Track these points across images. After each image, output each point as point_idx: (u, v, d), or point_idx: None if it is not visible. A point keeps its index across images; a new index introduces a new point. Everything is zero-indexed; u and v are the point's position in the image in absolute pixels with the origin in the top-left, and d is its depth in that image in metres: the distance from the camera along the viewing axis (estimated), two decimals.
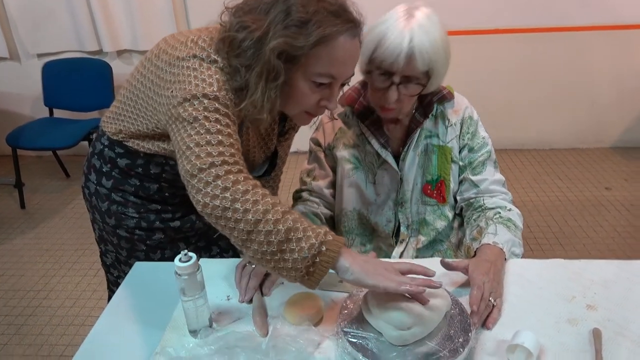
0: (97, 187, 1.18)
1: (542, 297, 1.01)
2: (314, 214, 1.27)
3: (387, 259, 1.07)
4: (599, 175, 3.19)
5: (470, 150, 1.25)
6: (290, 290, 1.03)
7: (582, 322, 0.94)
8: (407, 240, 1.28)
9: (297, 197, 1.34)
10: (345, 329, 0.87)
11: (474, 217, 1.22)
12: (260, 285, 1.04)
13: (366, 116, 1.24)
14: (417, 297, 0.84)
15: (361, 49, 1.03)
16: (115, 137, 1.12)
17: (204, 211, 0.84)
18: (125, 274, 1.27)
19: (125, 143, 1.11)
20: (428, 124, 1.23)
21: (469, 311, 0.91)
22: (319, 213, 1.28)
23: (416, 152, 1.24)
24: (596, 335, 0.90)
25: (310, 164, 1.35)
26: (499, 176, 1.25)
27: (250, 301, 1.02)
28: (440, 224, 1.27)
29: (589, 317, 0.95)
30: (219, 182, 0.83)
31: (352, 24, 0.93)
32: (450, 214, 1.28)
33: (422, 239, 1.27)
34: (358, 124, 1.25)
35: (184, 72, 0.90)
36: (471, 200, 1.25)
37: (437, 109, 1.24)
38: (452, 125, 1.24)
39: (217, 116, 0.88)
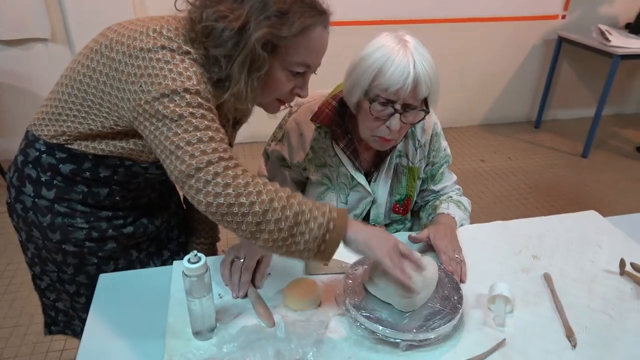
0: (36, 200, 1.05)
1: (496, 254, 1.17)
2: None
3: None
4: (475, 150, 3.65)
5: (433, 164, 1.32)
6: (279, 279, 1.06)
7: (533, 270, 1.12)
8: None
9: None
10: (355, 306, 0.92)
11: (429, 204, 1.36)
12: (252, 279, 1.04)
13: (341, 139, 1.22)
14: (402, 284, 0.88)
15: (352, 78, 1.07)
16: (54, 141, 1.01)
17: (208, 210, 0.83)
18: (70, 294, 1.16)
19: (69, 146, 1.01)
20: (399, 144, 1.25)
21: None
22: None
23: (388, 175, 1.27)
24: (547, 278, 1.09)
25: (270, 174, 1.34)
26: (453, 178, 1.38)
27: (245, 296, 1.01)
28: (400, 226, 1.39)
29: (536, 265, 1.14)
30: (219, 180, 0.82)
31: (325, 15, 0.96)
32: (408, 219, 1.40)
33: None
34: (332, 145, 1.23)
35: (154, 64, 0.85)
36: (429, 202, 1.37)
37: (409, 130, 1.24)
38: (421, 146, 1.28)
39: (202, 111, 0.86)
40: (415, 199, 1.36)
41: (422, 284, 0.92)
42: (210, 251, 1.41)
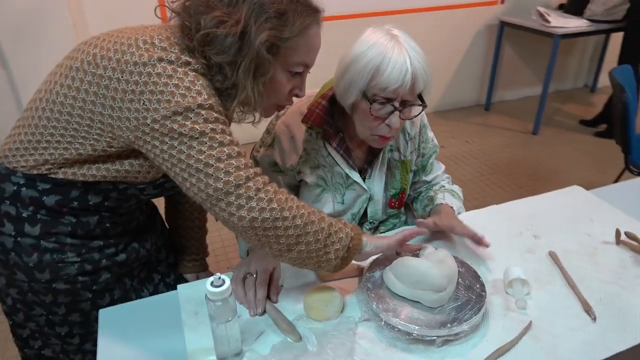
0: (18, 239, 0.95)
1: (499, 238, 1.19)
2: None
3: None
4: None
5: (423, 156, 1.32)
6: (294, 289, 1.02)
7: (538, 249, 1.15)
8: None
9: None
10: (385, 310, 0.90)
11: (422, 194, 1.37)
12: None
13: (333, 138, 1.19)
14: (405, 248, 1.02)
15: (347, 79, 1.05)
16: (35, 172, 0.92)
17: (252, 225, 0.81)
18: (61, 337, 1.07)
19: (53, 175, 0.92)
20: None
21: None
22: None
23: (382, 170, 1.26)
24: (553, 256, 1.12)
25: None
26: (442, 167, 1.40)
27: (263, 312, 0.97)
28: (397, 220, 1.38)
29: (540, 244, 1.16)
30: (262, 195, 0.82)
31: (319, 13, 0.93)
32: (403, 212, 1.40)
33: (382, 229, 1.37)
34: (325, 145, 1.20)
35: (155, 80, 0.79)
36: (422, 193, 1.38)
37: None
38: (411, 138, 1.27)
39: (221, 126, 0.82)
40: (409, 192, 1.36)
41: (447, 278, 0.91)
42: (202, 267, 1.35)
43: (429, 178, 1.36)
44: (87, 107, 0.83)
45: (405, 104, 1.06)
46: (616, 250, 1.14)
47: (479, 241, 1.10)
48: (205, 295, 0.79)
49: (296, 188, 1.30)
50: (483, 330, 0.92)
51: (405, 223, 1.43)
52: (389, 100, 1.04)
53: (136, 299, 1.10)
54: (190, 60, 0.84)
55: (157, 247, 1.21)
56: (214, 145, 0.80)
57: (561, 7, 3.82)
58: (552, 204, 1.32)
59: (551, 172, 3.19)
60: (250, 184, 0.81)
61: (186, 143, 0.79)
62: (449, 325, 0.87)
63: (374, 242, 0.95)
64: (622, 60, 3.27)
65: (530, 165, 3.28)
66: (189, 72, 0.82)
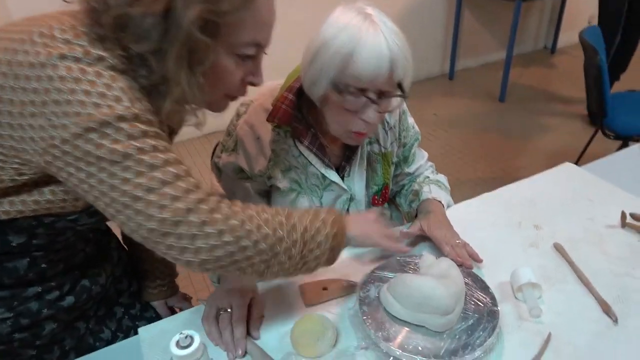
0: None
1: (497, 232, 1.08)
2: None
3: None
4: None
5: (404, 145, 1.19)
6: (277, 319, 0.88)
7: (541, 242, 1.04)
8: None
9: None
10: (385, 339, 0.77)
11: (405, 188, 1.24)
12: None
13: (304, 135, 1.03)
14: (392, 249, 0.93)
15: (315, 68, 0.89)
16: None
17: (204, 267, 0.65)
18: None
19: None
20: None
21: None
22: None
23: (362, 166, 1.11)
24: (559, 249, 1.01)
25: (228, 191, 1.12)
26: (425, 155, 1.26)
27: (245, 353, 0.82)
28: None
29: (542, 236, 1.06)
30: (209, 229, 0.64)
31: None
32: (386, 207, 1.27)
33: None
34: (295, 144, 1.05)
35: (58, 86, 0.60)
36: (405, 186, 1.25)
37: None
38: (391, 128, 1.13)
39: (151, 142, 0.63)
40: (392, 186, 1.23)
41: (455, 297, 0.78)
42: (170, 291, 1.17)
43: (411, 169, 1.23)
44: None
45: (382, 95, 0.91)
46: (622, 234, 1.05)
47: (466, 260, 0.97)
48: (171, 359, 0.64)
49: (268, 194, 1.14)
50: (498, 349, 0.80)
51: (391, 218, 1.30)
52: (363, 92, 0.89)
53: (95, 342, 0.94)
54: (103, 54, 0.63)
55: (116, 277, 1.03)
56: (143, 170, 0.62)
57: None
58: (546, 186, 1.22)
59: (522, 138, 3.13)
60: (193, 217, 0.64)
61: (106, 170, 0.61)
62: (460, 352, 0.75)
63: (360, 237, 0.86)
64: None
65: (501, 134, 3.21)
66: (103, 72, 0.62)
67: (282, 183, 1.07)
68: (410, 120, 1.20)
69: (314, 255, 0.75)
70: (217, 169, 1.13)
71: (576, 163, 1.33)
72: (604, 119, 2.16)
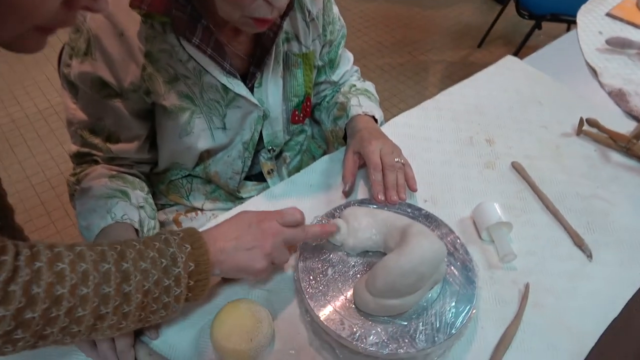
0: None
1: (446, 150, 0.90)
2: (128, 187, 0.78)
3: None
4: None
5: (330, 44, 0.91)
6: (188, 314, 0.64)
7: (497, 161, 0.89)
8: (273, 171, 0.95)
9: (80, 181, 0.79)
10: (355, 341, 0.58)
11: (327, 100, 0.99)
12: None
13: (191, 30, 0.70)
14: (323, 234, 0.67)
15: None
16: None
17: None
18: None
19: None
20: (284, 22, 0.78)
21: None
22: (135, 180, 0.81)
23: (277, 72, 0.82)
24: (519, 169, 0.86)
25: (90, 116, 0.77)
26: (350, 57, 1.00)
27: None
28: (302, 136, 1.00)
29: (498, 154, 0.90)
30: None
31: None
32: (307, 124, 1.01)
33: (287, 157, 0.98)
34: (180, 43, 0.72)
35: None
36: (327, 97, 1.00)
37: None
38: (313, 19, 0.84)
39: None
40: (313, 97, 0.96)
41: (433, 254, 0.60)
42: None
43: (336, 77, 0.97)
44: None
45: None
46: (579, 144, 0.93)
47: (396, 199, 0.77)
48: None
49: (149, 114, 0.81)
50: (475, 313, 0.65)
51: (313, 138, 1.05)
52: None
53: None
54: None
55: None
56: None
57: None
58: (491, 87, 1.04)
59: (426, 17, 2.93)
60: None
61: None
62: (435, 338, 0.58)
63: (229, 265, 0.59)
64: None
65: (404, 12, 2.98)
66: None
67: (168, 100, 0.75)
68: (335, 9, 0.91)
69: (160, 305, 0.53)
70: (70, 84, 0.76)
71: (516, 54, 1.16)
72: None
